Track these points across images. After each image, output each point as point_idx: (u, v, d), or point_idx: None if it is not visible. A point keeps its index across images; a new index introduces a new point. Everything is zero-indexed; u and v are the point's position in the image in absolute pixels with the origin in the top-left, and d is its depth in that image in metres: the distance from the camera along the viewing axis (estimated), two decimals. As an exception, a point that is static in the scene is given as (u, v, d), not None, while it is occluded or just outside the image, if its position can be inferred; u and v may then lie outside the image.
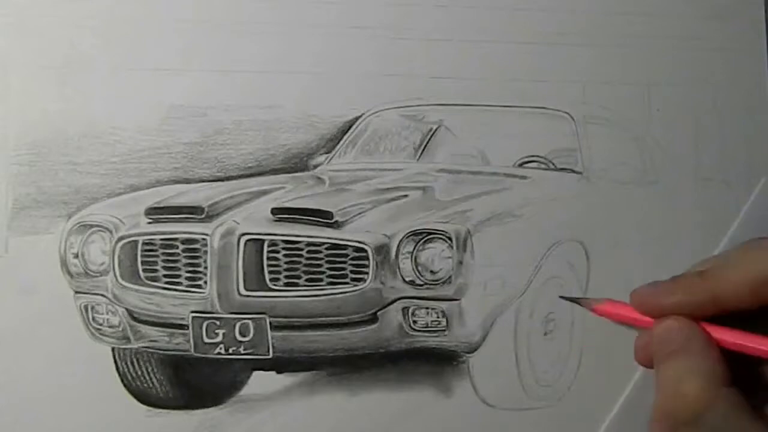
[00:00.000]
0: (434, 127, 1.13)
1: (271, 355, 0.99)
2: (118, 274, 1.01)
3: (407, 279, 0.99)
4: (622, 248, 1.08)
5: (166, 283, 1.01)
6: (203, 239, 1.00)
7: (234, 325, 0.98)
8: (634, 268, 1.07)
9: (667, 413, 0.59)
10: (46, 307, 0.97)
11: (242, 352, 0.98)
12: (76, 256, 1.01)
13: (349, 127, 1.07)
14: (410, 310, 0.99)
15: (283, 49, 1.04)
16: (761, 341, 0.60)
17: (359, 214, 1.02)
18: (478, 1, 1.08)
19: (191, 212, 1.01)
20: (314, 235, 1.00)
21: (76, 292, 1.00)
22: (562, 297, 0.98)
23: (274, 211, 1.01)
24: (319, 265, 1.00)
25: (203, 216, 1.01)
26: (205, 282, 1.00)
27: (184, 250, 1.01)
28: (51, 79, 0.99)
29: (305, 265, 1.00)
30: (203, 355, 0.99)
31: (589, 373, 1.03)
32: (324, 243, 1.00)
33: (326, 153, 1.09)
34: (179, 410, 1.00)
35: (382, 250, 0.99)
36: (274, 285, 1.00)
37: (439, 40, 1.06)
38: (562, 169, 1.12)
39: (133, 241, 1.02)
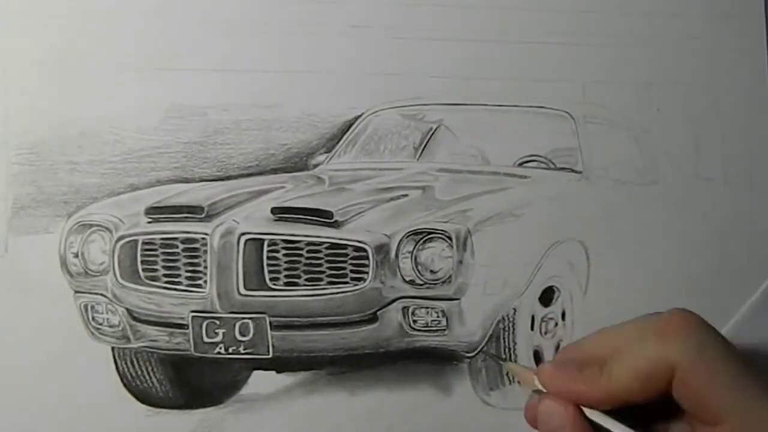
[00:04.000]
0: (434, 127, 1.13)
1: (270, 355, 0.99)
2: (118, 273, 1.01)
3: (407, 278, 0.99)
4: (622, 248, 1.08)
5: (166, 282, 1.01)
6: (203, 239, 1.00)
7: (234, 325, 0.98)
8: (634, 267, 1.07)
9: None
10: (45, 307, 0.97)
11: (242, 351, 0.98)
12: (76, 255, 1.01)
13: (349, 127, 1.07)
14: (410, 310, 0.99)
15: (283, 49, 1.04)
16: None
17: (359, 213, 1.02)
18: (478, 1, 1.08)
19: (191, 212, 1.01)
20: (314, 235, 1.00)
21: (76, 292, 1.00)
22: (484, 353, 1.02)
23: (274, 210, 1.01)
24: (319, 265, 1.00)
25: (203, 215, 1.01)
26: (205, 281, 1.00)
27: (183, 250, 1.01)
28: (51, 79, 0.99)
29: (305, 265, 1.00)
30: (203, 355, 0.99)
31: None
32: (324, 242, 1.00)
33: (326, 152, 1.09)
34: (179, 410, 1.01)
35: (382, 249, 0.99)
36: (274, 284, 1.00)
37: (439, 40, 1.06)
38: (562, 169, 1.12)
39: (133, 240, 1.01)
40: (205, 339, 0.98)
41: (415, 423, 1.01)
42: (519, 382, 0.73)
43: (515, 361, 1.04)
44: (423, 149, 1.14)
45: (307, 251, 1.00)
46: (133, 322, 1.01)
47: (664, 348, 0.61)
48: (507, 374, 1.03)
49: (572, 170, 1.12)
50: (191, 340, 0.99)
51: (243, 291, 0.99)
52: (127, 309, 1.01)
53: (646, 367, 0.61)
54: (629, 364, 0.62)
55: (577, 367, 0.65)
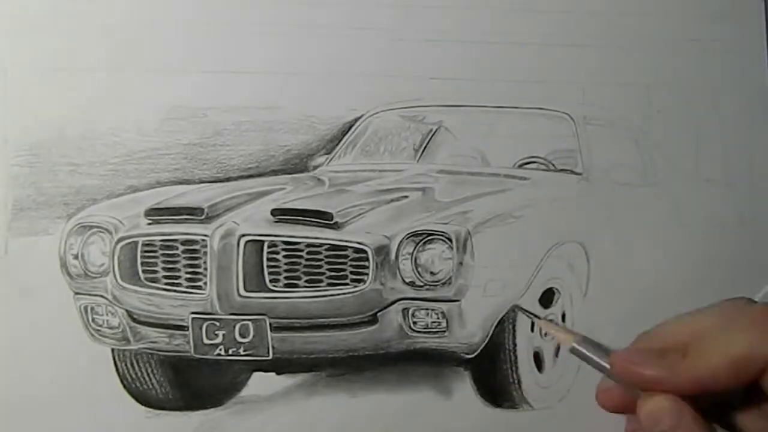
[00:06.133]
0: (434, 128, 1.13)
1: (270, 356, 0.98)
2: (117, 275, 1.01)
3: (407, 280, 0.99)
4: (623, 249, 1.08)
5: (166, 284, 1.01)
6: (203, 240, 1.00)
7: (234, 326, 0.98)
8: (635, 269, 1.07)
9: None
10: (45, 309, 0.97)
11: (242, 353, 0.98)
12: (76, 257, 1.01)
13: (349, 128, 1.07)
14: (410, 311, 0.99)
15: (284, 51, 1.04)
16: None
17: (359, 215, 1.02)
18: (478, 3, 1.08)
19: (191, 213, 1.01)
20: (314, 236, 1.00)
21: (76, 293, 1.00)
22: (517, 307, 1.01)
23: (274, 212, 1.01)
24: (319, 266, 1.00)
25: (203, 217, 1.01)
26: (205, 283, 1.00)
27: (183, 251, 1.01)
28: (51, 81, 0.99)
29: (305, 266, 1.00)
30: (203, 357, 0.99)
31: (589, 375, 1.03)
32: (324, 244, 1.00)
33: (326, 154, 1.09)
34: (179, 411, 1.00)
35: (382, 251, 0.99)
36: (274, 286, 1.00)
37: (439, 41, 1.06)
38: (562, 170, 1.12)
39: (132, 242, 1.01)
40: (205, 340, 0.98)
41: (415, 425, 1.01)
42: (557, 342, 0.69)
43: (515, 363, 1.04)
44: (423, 151, 1.14)
45: (307, 253, 1.00)
46: (133, 324, 1.01)
47: (759, 338, 0.60)
48: (541, 328, 1.03)
49: (572, 172, 1.12)
50: (191, 342, 0.99)
51: (243, 292, 0.99)
52: (127, 310, 1.01)
53: (740, 355, 0.59)
54: (721, 349, 0.60)
55: (655, 353, 0.63)
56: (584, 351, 0.66)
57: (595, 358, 0.65)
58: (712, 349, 0.60)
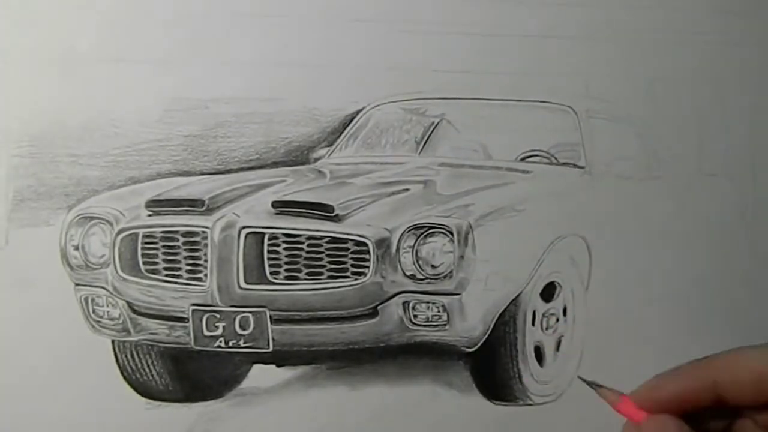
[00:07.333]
0: (436, 121, 1.13)
1: (271, 349, 0.98)
2: (118, 266, 1.01)
3: (408, 273, 0.99)
4: (625, 243, 1.07)
5: (167, 275, 1.01)
6: (203, 232, 1.00)
7: (234, 319, 0.98)
8: (636, 263, 1.07)
9: None
10: (46, 300, 0.97)
11: (242, 345, 0.98)
12: (77, 248, 1.01)
13: (351, 121, 1.07)
14: (411, 305, 0.99)
15: (285, 43, 1.03)
16: None
17: (360, 207, 1.02)
18: (481, -5, 1.08)
19: (192, 205, 1.01)
20: (315, 229, 1.00)
21: (77, 285, 1.00)
22: (581, 378, 0.99)
23: (275, 204, 1.01)
24: (320, 259, 1.00)
25: (204, 209, 1.01)
26: (206, 275, 0.99)
27: (184, 243, 1.01)
28: (52, 72, 0.99)
29: (306, 259, 1.00)
30: (203, 348, 0.99)
31: (590, 370, 1.03)
32: (324, 236, 1.00)
33: (327, 146, 1.08)
34: (179, 403, 1.01)
35: (382, 243, 0.99)
36: (275, 278, 1.00)
37: (441, 34, 1.06)
38: (564, 164, 1.11)
39: (133, 233, 1.01)
40: (205, 332, 0.98)
41: (415, 418, 1.01)
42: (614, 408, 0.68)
43: (516, 357, 1.03)
44: (425, 143, 1.14)
45: (308, 245, 1.00)
46: (134, 315, 1.01)
47: None
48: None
49: (575, 165, 1.11)
50: (191, 334, 0.99)
51: (243, 285, 0.99)
52: (128, 302, 1.01)
53: (765, 369, 0.59)
54: (749, 365, 0.60)
55: (676, 369, 0.62)
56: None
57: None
58: (737, 360, 0.60)
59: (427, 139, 1.14)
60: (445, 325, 0.99)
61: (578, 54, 1.08)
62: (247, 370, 1.02)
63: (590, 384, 0.81)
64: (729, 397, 0.60)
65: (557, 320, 1.06)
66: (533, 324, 1.05)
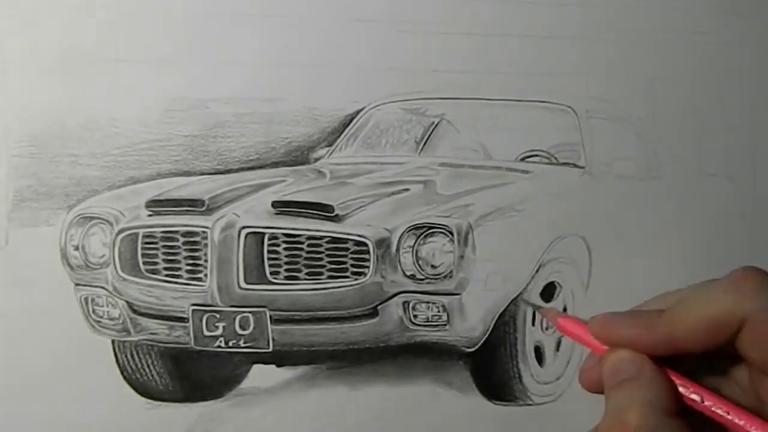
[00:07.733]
0: (436, 121, 1.13)
1: (271, 349, 0.98)
2: (118, 266, 1.01)
3: (408, 273, 0.99)
4: (625, 243, 1.07)
5: (167, 275, 1.01)
6: (203, 232, 1.00)
7: (234, 319, 0.98)
8: (636, 263, 1.07)
9: None
10: (46, 300, 0.97)
11: (242, 345, 0.98)
12: (77, 248, 1.01)
13: (351, 121, 1.07)
14: (411, 305, 0.99)
15: (285, 42, 1.03)
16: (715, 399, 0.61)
17: (360, 207, 1.02)
18: (481, -6, 1.07)
19: (192, 205, 1.01)
20: (315, 229, 1.00)
21: (77, 285, 1.00)
22: (523, 300, 0.99)
23: (275, 204, 1.01)
24: (320, 259, 1.00)
25: (204, 209, 1.01)
26: (206, 275, 1.00)
27: (184, 243, 1.01)
28: (52, 72, 0.99)
29: (306, 259, 1.00)
30: (203, 348, 0.99)
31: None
32: (324, 236, 1.00)
33: (327, 146, 1.08)
34: (179, 403, 1.01)
35: (382, 243, 0.99)
36: (275, 278, 1.00)
37: (441, 34, 1.06)
38: (564, 164, 1.11)
39: (133, 233, 1.01)
40: (205, 332, 0.98)
41: (415, 418, 1.00)
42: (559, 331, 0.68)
43: (516, 357, 1.03)
44: (425, 143, 1.14)
45: (308, 245, 1.00)
46: (134, 315, 1.01)
47: (736, 298, 0.60)
48: (542, 322, 1.03)
49: (575, 165, 1.11)
50: (191, 334, 0.99)
51: (243, 285, 0.99)
52: (128, 302, 1.01)
53: (716, 314, 0.59)
54: (697, 309, 0.60)
55: (631, 314, 0.63)
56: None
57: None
58: (689, 309, 0.60)
59: (427, 139, 1.14)
60: (445, 325, 0.99)
61: (578, 54, 1.08)
62: (247, 370, 1.02)
63: (533, 306, 0.81)
64: (685, 348, 0.60)
65: (557, 320, 1.06)
66: (533, 324, 1.05)
